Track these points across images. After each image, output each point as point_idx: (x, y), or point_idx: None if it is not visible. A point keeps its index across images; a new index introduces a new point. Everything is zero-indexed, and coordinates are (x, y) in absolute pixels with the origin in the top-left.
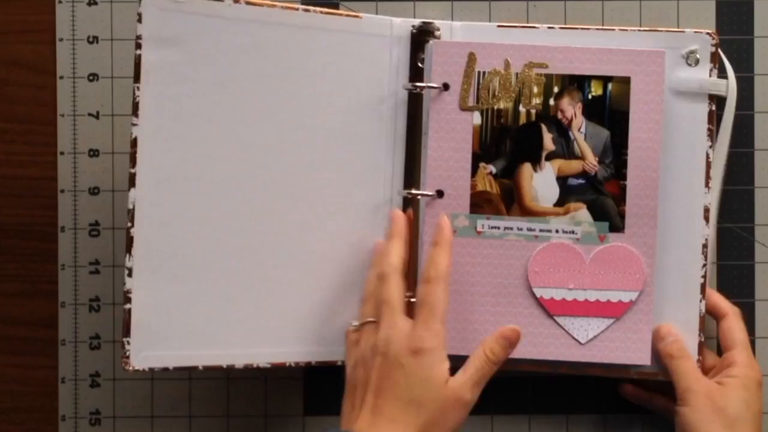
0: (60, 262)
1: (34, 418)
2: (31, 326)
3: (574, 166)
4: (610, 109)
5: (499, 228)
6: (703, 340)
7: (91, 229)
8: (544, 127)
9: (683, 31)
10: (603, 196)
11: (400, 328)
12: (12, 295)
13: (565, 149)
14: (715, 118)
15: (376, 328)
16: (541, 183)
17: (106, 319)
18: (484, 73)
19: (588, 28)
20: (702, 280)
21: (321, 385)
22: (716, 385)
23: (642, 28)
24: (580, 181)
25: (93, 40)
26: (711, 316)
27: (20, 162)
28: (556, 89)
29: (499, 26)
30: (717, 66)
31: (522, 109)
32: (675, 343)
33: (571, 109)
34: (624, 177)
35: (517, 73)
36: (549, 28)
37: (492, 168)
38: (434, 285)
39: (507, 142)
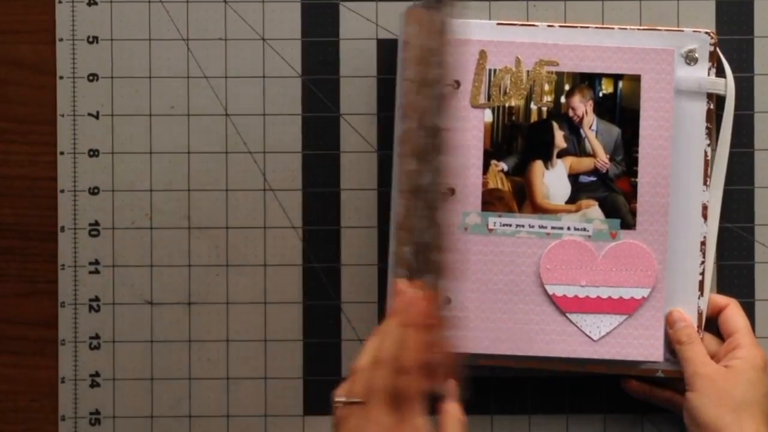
0: (60, 262)
1: (34, 418)
2: (31, 326)
3: (586, 163)
4: (621, 106)
5: (510, 225)
6: (702, 337)
7: (91, 229)
8: (555, 125)
9: (682, 30)
10: (614, 193)
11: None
12: (12, 295)
13: (577, 147)
14: (714, 117)
15: (365, 413)
16: (552, 180)
17: (106, 319)
18: (494, 70)
19: (587, 27)
20: (700, 278)
21: (321, 385)
22: (723, 368)
23: (641, 27)
24: (592, 178)
25: (93, 40)
26: (712, 315)
27: (20, 162)
28: (567, 87)
29: (498, 24)
30: (715, 65)
31: (533, 106)
32: (684, 329)
33: (582, 106)
34: (635, 174)
35: (528, 71)
36: (548, 26)
37: (503, 165)
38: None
39: (518, 140)
